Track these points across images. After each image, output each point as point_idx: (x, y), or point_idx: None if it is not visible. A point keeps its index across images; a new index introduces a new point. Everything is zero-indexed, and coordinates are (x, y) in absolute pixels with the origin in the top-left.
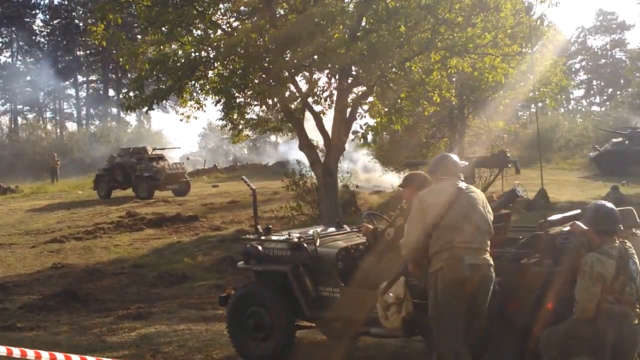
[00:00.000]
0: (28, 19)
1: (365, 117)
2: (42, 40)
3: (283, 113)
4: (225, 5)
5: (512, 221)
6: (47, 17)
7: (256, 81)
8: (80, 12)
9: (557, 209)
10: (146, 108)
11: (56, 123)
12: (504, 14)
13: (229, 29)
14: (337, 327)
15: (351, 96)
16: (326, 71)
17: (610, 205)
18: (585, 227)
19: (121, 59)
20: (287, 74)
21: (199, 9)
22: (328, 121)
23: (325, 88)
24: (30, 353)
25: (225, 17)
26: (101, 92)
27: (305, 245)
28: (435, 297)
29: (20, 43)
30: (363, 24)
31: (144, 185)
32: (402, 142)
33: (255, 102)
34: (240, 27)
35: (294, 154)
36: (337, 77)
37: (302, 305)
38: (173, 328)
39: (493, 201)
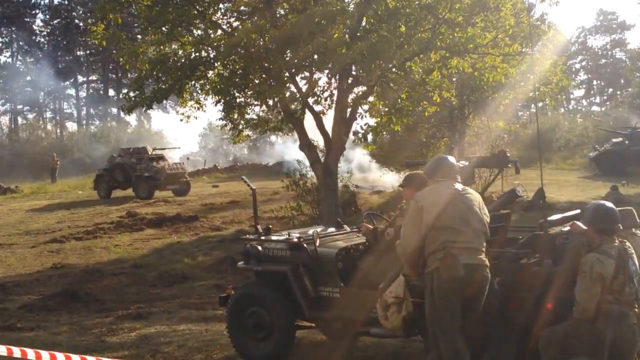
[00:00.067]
0: (28, 19)
1: (365, 117)
2: (42, 40)
3: (283, 113)
4: (226, 5)
5: (512, 221)
6: (47, 17)
7: (256, 81)
8: (80, 12)
9: (555, 209)
10: (145, 107)
11: (56, 123)
12: (504, 14)
13: (229, 29)
14: (337, 327)
15: (351, 96)
16: (326, 71)
17: (609, 204)
18: (584, 227)
19: (121, 59)
20: (287, 74)
21: (199, 9)
22: (328, 121)
23: (326, 88)
24: (31, 353)
25: (225, 17)
26: (101, 92)
27: (305, 245)
28: (431, 297)
29: (20, 43)
30: (363, 23)
31: (144, 185)
32: (402, 142)
33: (256, 102)
34: (240, 27)
35: (291, 153)
36: (337, 77)
37: (302, 305)
38: (173, 328)
39: (493, 201)
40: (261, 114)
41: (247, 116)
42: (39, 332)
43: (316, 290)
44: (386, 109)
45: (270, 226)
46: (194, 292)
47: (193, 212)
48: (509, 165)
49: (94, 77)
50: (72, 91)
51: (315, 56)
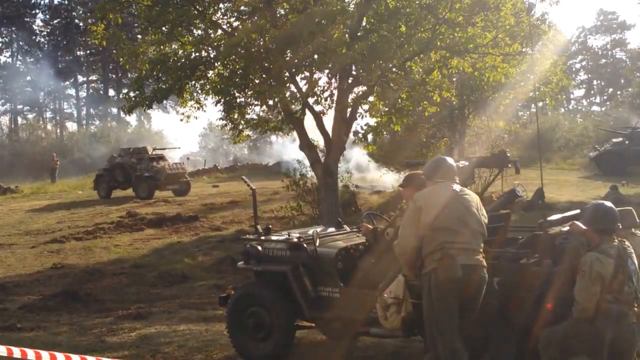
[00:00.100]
0: (28, 19)
1: (365, 117)
2: (42, 40)
3: (283, 113)
4: (226, 5)
5: (512, 221)
6: (47, 17)
7: (256, 81)
8: (80, 12)
9: (555, 209)
10: (145, 107)
11: (56, 123)
12: (504, 13)
13: (230, 29)
14: (337, 327)
15: (351, 96)
16: (326, 71)
17: (609, 204)
18: (584, 227)
19: (121, 59)
20: (287, 74)
21: (200, 9)
22: (328, 121)
23: (326, 88)
24: (31, 353)
25: (225, 17)
26: (101, 92)
27: (305, 245)
28: (429, 298)
29: (20, 43)
30: (363, 23)
31: (144, 185)
32: (402, 142)
33: (256, 102)
34: (240, 27)
35: (289, 153)
36: (337, 77)
37: (302, 306)
38: (173, 328)
39: (493, 201)
40: (261, 114)
41: (247, 116)
42: (39, 332)
43: (316, 290)
44: (386, 109)
45: (270, 226)
46: (194, 292)
47: (193, 212)
48: (509, 165)
49: (94, 77)
50: (72, 91)
51: (316, 56)
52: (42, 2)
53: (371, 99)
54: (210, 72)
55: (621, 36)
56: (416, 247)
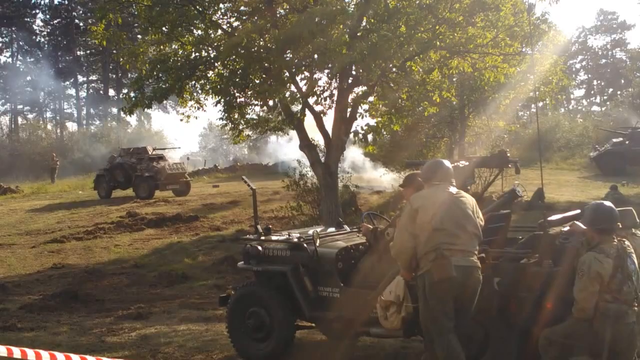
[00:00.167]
0: (28, 19)
1: (365, 117)
2: (42, 40)
3: (283, 113)
4: (226, 5)
5: (512, 221)
6: (47, 17)
7: (257, 81)
8: (80, 12)
9: (555, 209)
10: (145, 106)
11: (56, 123)
12: (504, 13)
13: (230, 29)
14: (337, 327)
15: (351, 96)
16: (326, 71)
17: (608, 204)
18: (584, 227)
19: (121, 59)
20: (287, 74)
21: (200, 9)
22: (328, 121)
23: (326, 88)
24: (31, 353)
25: (225, 17)
26: (101, 92)
27: (305, 245)
28: (424, 298)
29: (20, 43)
30: (363, 23)
31: (144, 185)
32: (402, 142)
33: (256, 102)
34: (240, 27)
35: (286, 152)
36: (337, 77)
37: (302, 306)
38: (173, 328)
39: (493, 201)
40: (261, 114)
41: (247, 116)
42: (39, 332)
43: (316, 290)
44: (386, 109)
45: (270, 226)
46: (194, 292)
47: (193, 212)
48: (509, 165)
49: (94, 77)
50: (72, 91)
51: (316, 56)
52: (42, 2)
53: (371, 99)
54: (210, 72)
55: (621, 36)
56: (412, 249)
